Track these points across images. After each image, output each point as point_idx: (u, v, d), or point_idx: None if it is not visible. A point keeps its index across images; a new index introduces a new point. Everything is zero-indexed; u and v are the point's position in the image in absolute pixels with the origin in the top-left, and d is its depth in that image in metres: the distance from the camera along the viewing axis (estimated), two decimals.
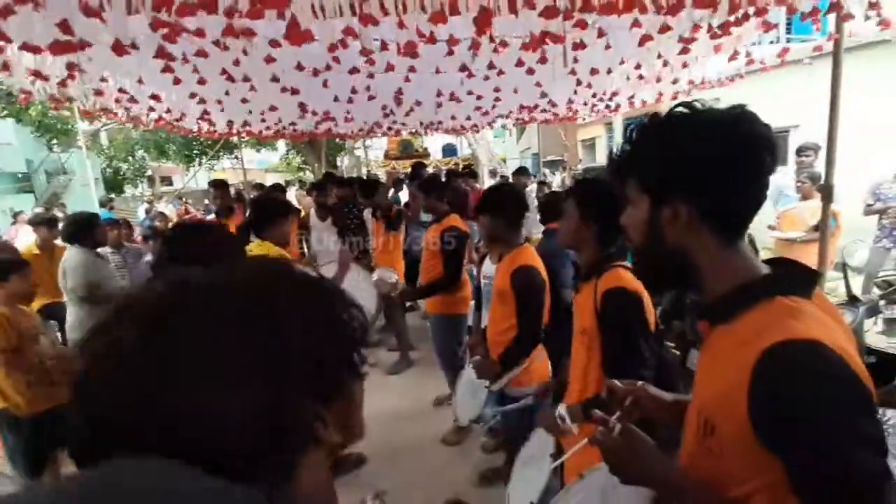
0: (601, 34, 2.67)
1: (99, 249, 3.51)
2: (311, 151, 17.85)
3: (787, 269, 0.76)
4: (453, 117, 5.89)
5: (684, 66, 3.79)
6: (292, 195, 10.99)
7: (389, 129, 6.56)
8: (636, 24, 2.45)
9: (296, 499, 0.39)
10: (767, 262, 0.78)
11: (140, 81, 3.19)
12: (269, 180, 18.42)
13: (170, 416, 0.34)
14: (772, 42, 7.12)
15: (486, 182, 9.75)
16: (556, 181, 13.28)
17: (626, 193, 0.81)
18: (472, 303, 3.31)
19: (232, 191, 6.66)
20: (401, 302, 3.94)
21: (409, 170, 11.64)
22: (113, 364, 0.37)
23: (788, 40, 4.08)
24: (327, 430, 0.40)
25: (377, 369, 4.15)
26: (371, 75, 3.44)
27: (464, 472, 2.71)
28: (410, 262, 4.08)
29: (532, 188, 5.96)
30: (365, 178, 7.55)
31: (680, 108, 0.74)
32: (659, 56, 3.34)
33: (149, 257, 4.16)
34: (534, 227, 4.86)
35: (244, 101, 4.13)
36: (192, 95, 3.79)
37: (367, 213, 4.69)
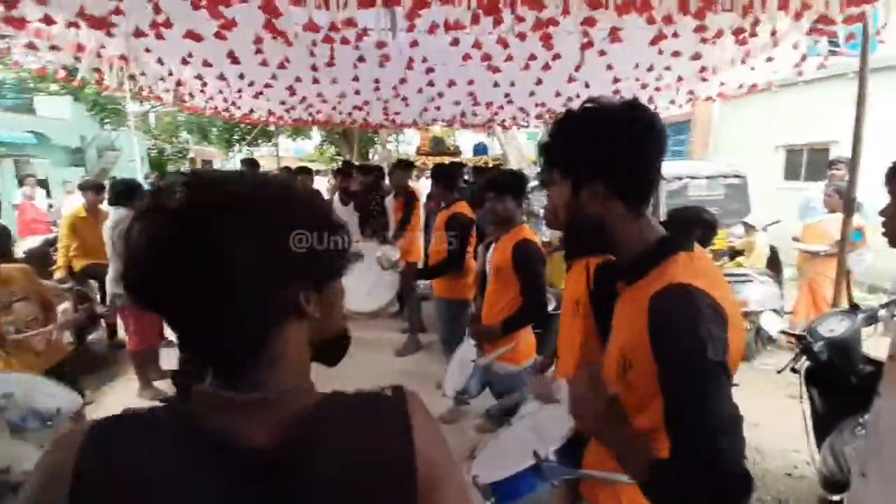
0: (615, 35, 2.71)
1: None
2: (345, 143, 18.27)
3: (677, 229, 0.92)
4: (476, 113, 5.98)
5: (710, 71, 3.77)
6: (322, 182, 11.29)
7: (420, 119, 6.69)
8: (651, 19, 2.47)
9: (281, 347, 0.53)
10: (665, 222, 0.90)
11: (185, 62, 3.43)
12: None
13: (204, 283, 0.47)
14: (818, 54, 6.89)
15: None
16: None
17: (550, 178, 0.95)
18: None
19: None
20: (411, 285, 4.07)
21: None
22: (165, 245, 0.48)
23: (833, 53, 3.96)
24: (311, 305, 0.54)
25: (386, 350, 4.30)
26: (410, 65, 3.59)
27: (457, 448, 2.81)
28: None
29: None
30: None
31: (588, 104, 0.88)
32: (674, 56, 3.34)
33: None
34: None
35: (290, 89, 4.36)
36: (242, 77, 4.03)
37: (388, 201, 4.85)
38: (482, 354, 2.17)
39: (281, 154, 11.12)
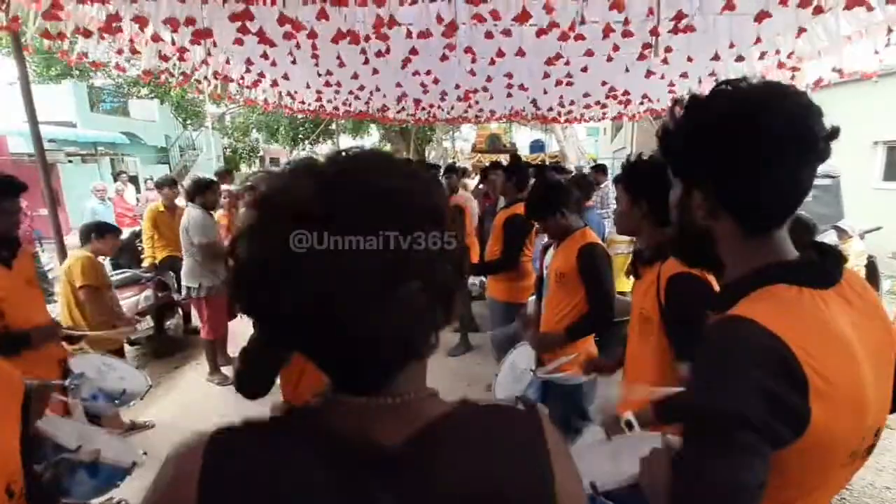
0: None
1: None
2: (402, 140, 18.65)
3: (810, 255, 0.72)
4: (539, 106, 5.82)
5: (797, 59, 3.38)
6: None
7: (475, 115, 6.64)
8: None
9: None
10: (808, 245, 0.74)
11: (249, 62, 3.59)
12: None
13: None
14: None
15: None
16: None
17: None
18: (533, 297, 3.31)
19: None
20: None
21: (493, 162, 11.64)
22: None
23: None
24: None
25: (437, 350, 4.30)
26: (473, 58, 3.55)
27: None
28: None
29: (608, 185, 5.69)
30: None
31: (720, 87, 0.70)
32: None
33: None
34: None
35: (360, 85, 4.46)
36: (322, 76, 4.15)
37: None
38: (540, 363, 2.08)
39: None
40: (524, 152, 16.67)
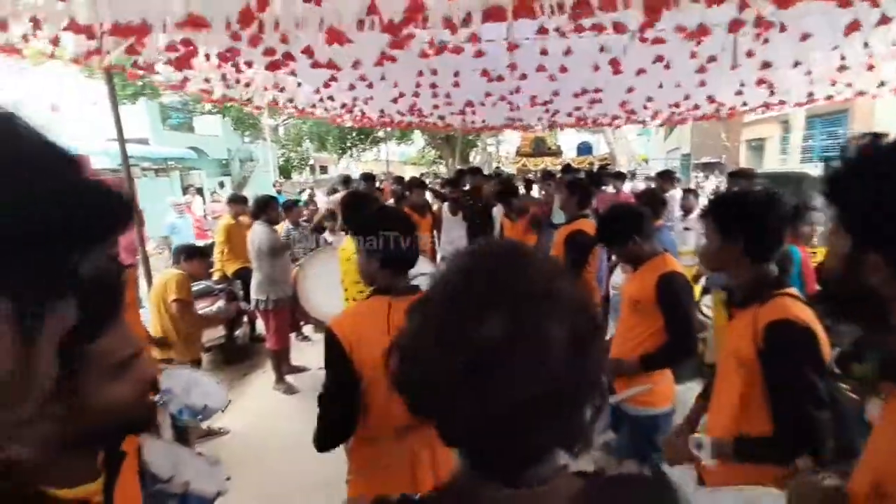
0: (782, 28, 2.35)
1: (288, 225, 4.64)
2: (446, 146, 18.73)
3: None
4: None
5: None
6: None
7: (521, 121, 6.58)
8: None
9: None
10: None
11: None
12: (407, 171, 20.06)
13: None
14: None
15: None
16: (710, 187, 11.69)
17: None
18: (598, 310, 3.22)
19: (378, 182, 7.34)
20: None
21: (541, 168, 11.48)
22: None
23: None
24: None
25: None
26: (524, 76, 3.55)
27: None
28: None
29: (675, 194, 5.38)
30: (498, 175, 7.65)
31: None
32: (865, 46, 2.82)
33: (327, 234, 4.85)
34: (680, 238, 4.49)
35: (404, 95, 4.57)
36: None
37: (496, 211, 4.81)
38: (611, 390, 2.01)
39: (389, 158, 11.76)
40: (571, 154, 16.14)
